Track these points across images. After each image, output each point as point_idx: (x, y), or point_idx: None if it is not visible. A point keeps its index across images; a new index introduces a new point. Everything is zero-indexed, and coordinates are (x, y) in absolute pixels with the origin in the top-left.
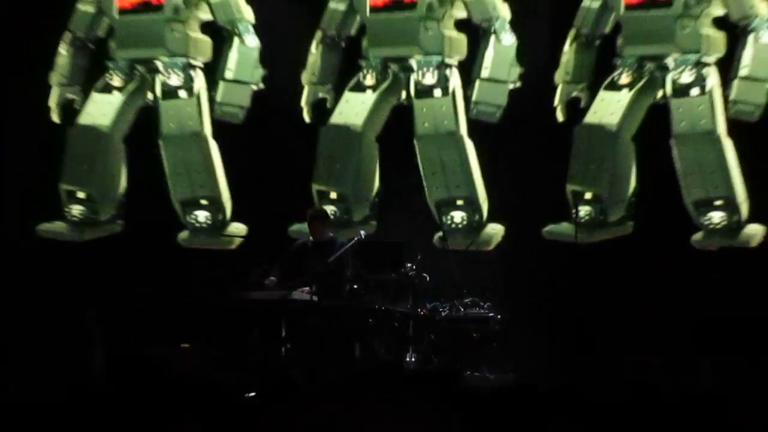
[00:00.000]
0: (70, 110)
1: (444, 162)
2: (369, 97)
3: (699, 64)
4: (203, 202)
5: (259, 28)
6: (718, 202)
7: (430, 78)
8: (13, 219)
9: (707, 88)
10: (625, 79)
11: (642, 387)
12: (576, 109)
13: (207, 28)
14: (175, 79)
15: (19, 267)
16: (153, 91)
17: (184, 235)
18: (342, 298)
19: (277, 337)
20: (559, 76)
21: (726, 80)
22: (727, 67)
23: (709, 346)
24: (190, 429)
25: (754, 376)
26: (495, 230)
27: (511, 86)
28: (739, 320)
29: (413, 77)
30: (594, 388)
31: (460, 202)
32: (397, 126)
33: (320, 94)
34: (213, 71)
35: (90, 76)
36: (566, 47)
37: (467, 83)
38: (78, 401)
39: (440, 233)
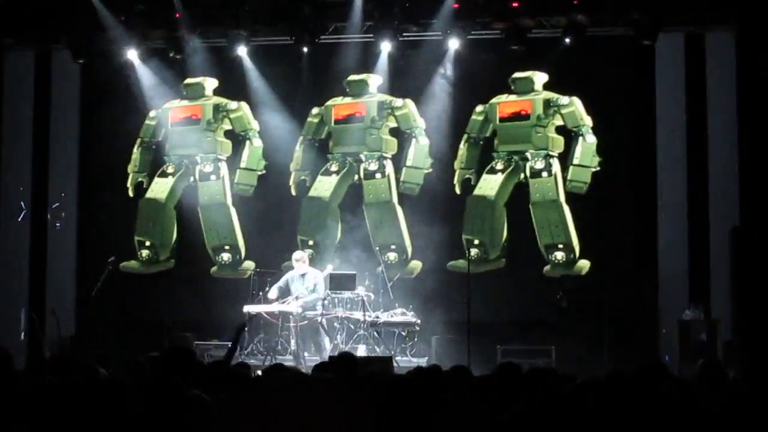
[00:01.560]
0: (140, 189)
1: (382, 220)
2: (334, 179)
3: (547, 156)
4: (226, 247)
5: (262, 134)
6: (560, 246)
7: (373, 166)
8: (105, 259)
9: (553, 172)
10: (499, 166)
11: (508, 365)
12: (468, 186)
13: (229, 134)
14: (208, 168)
15: (108, 289)
16: (194, 176)
17: (215, 269)
18: (317, 309)
19: (274, 335)
20: (457, 164)
21: (564, 167)
22: (565, 158)
23: (557, 337)
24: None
25: (590, 356)
26: (416, 265)
27: (426, 171)
28: (575, 322)
29: (362, 165)
30: (478, 365)
31: (393, 247)
32: (352, 197)
33: (302, 177)
34: (232, 162)
35: (153, 166)
36: (461, 145)
37: (398, 169)
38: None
39: (381, 267)
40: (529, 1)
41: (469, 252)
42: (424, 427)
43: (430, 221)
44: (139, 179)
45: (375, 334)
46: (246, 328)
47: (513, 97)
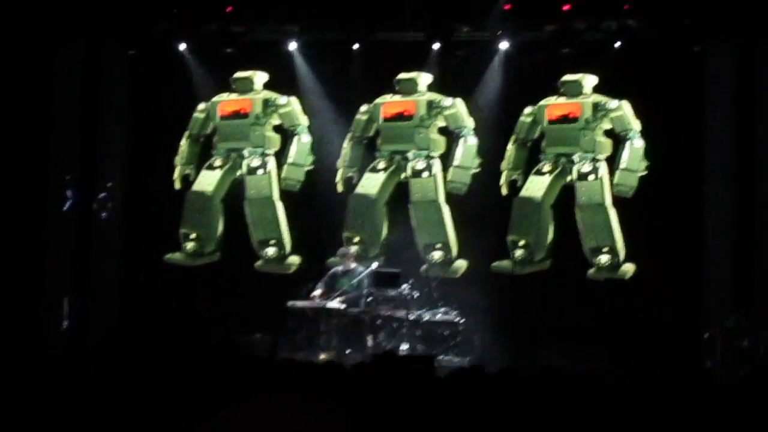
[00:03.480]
0: (187, 181)
1: (429, 219)
2: (381, 176)
3: (594, 160)
4: (272, 242)
5: (311, 129)
6: (605, 249)
7: (421, 164)
8: (149, 251)
9: (600, 175)
10: (546, 168)
11: (550, 368)
12: (514, 187)
13: (277, 129)
14: (256, 162)
15: (152, 281)
16: (241, 170)
17: (260, 263)
18: (360, 306)
19: (317, 331)
20: (504, 165)
21: (611, 170)
22: (613, 162)
23: (600, 340)
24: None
25: (632, 360)
26: (461, 265)
27: (473, 171)
28: (619, 324)
29: (410, 164)
30: (524, 369)
31: (438, 246)
32: (399, 195)
33: (349, 174)
34: (280, 157)
35: (200, 159)
36: (509, 146)
37: (445, 168)
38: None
39: (425, 266)
40: (581, 4)
41: (515, 253)
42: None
43: (477, 221)
44: (186, 171)
45: (417, 333)
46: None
47: (562, 100)
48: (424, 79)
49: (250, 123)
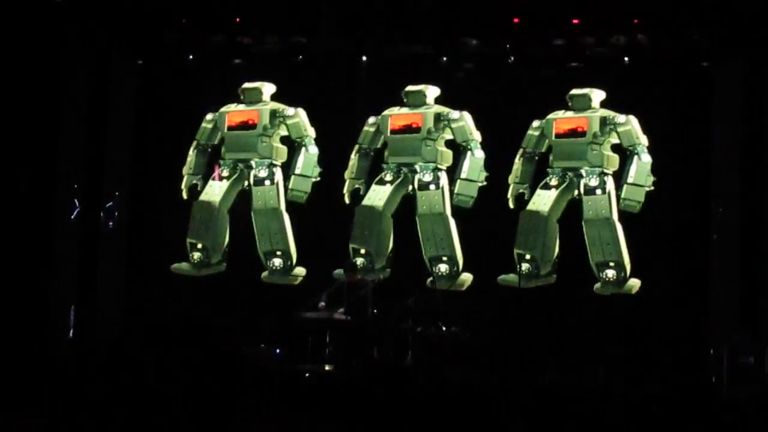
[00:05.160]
0: (194, 191)
1: (435, 232)
2: (388, 189)
3: (602, 174)
4: (278, 253)
5: (318, 141)
6: (611, 264)
7: (428, 177)
8: (155, 261)
9: (607, 190)
10: (553, 182)
11: (555, 383)
12: (521, 201)
13: (284, 140)
14: (263, 173)
15: (158, 290)
16: (248, 180)
17: (265, 274)
18: (366, 318)
19: (323, 342)
20: (511, 179)
21: (618, 185)
22: (620, 176)
23: (605, 355)
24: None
25: (637, 376)
26: (467, 277)
27: (480, 184)
28: (625, 340)
29: (417, 176)
30: (529, 382)
31: (444, 258)
32: (405, 208)
33: (356, 186)
34: (287, 168)
35: (208, 169)
36: (516, 160)
37: (452, 181)
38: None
39: (431, 278)
40: (590, 19)
41: (521, 266)
42: None
43: (483, 234)
44: (194, 181)
45: (423, 344)
46: None
47: (570, 114)
48: (432, 91)
49: (258, 134)
